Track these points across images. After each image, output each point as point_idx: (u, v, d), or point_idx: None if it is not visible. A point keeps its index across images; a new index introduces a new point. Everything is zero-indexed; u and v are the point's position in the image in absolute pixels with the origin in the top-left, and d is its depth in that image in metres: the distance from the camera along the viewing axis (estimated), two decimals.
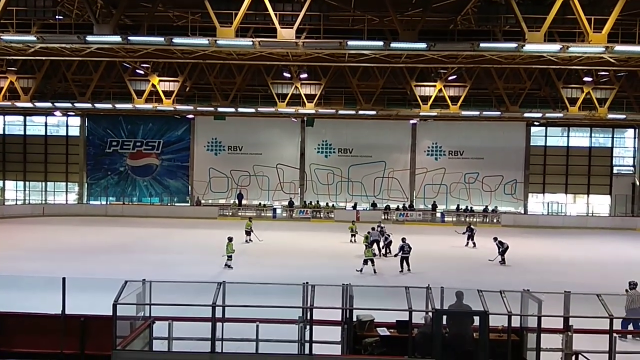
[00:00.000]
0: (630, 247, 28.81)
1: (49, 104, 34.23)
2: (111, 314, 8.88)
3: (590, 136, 40.90)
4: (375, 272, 19.59)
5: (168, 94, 32.23)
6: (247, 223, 27.50)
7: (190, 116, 39.55)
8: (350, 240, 26.92)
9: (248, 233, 26.75)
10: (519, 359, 9.42)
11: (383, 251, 23.37)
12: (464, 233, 27.19)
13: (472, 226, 28.00)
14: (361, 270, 19.61)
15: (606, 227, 36.20)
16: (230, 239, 20.01)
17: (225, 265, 19.65)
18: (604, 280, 18.72)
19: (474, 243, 26.66)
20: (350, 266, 20.28)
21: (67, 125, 41.61)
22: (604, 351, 9.12)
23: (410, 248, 20.15)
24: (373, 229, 24.05)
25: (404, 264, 20.02)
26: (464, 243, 26.89)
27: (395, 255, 20.57)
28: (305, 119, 39.49)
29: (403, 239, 20.52)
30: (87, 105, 33.91)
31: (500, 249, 22.42)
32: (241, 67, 31.30)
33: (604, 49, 18.31)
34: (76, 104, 33.77)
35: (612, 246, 29.18)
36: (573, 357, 9.20)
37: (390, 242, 23.61)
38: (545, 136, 40.81)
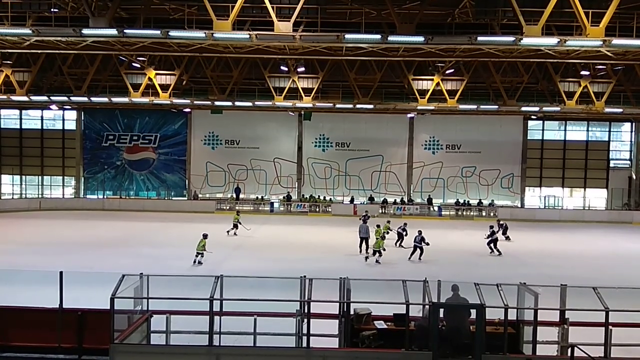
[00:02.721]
0: (626, 241, 28.94)
1: (44, 98, 34.04)
2: (109, 307, 8.89)
3: (587, 130, 41.00)
4: (378, 262, 20.24)
5: (165, 87, 32.09)
6: (235, 217, 27.51)
7: (187, 110, 39.43)
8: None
9: (235, 226, 26.76)
10: (516, 352, 9.48)
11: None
12: (497, 230, 25.70)
13: (501, 222, 27.40)
14: (377, 261, 20.28)
15: (602, 220, 36.32)
16: (205, 236, 19.61)
17: (195, 262, 19.19)
18: (600, 274, 18.86)
19: (507, 237, 26.24)
20: (347, 260, 20.35)
21: (63, 119, 41.44)
22: (599, 344, 9.18)
23: (423, 239, 21.09)
24: (365, 216, 24.50)
25: (416, 252, 21.04)
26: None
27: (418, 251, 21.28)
28: (303, 112, 39.42)
29: (419, 232, 21.45)
30: (83, 98, 33.72)
31: (489, 237, 23.01)
32: (238, 60, 31.16)
33: (601, 43, 18.29)
34: (72, 98, 33.60)
35: (608, 240, 29.30)
36: (569, 350, 9.24)
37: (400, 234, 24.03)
38: (543, 130, 40.87)
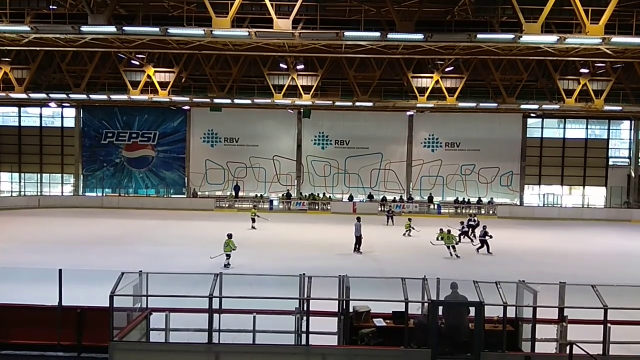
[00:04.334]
0: (624, 239, 28.95)
1: (43, 95, 34.01)
2: (108, 305, 8.89)
3: (587, 128, 40.99)
4: (458, 256, 21.50)
5: (163, 84, 32.07)
6: (252, 211, 28.61)
7: (186, 107, 39.37)
8: (407, 234, 26.56)
9: (253, 220, 27.92)
10: (514, 349, 9.49)
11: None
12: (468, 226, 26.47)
13: (474, 218, 27.57)
14: (457, 255, 21.61)
15: (601, 218, 36.34)
16: (229, 236, 18.61)
17: (225, 265, 18.24)
18: (598, 272, 18.88)
19: (468, 232, 26.40)
20: (346, 257, 20.36)
21: (62, 117, 41.37)
22: (598, 341, 9.20)
23: (486, 232, 22.67)
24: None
25: (483, 247, 22.71)
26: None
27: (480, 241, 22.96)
28: (302, 110, 39.38)
29: (484, 226, 23.17)
30: (82, 96, 33.71)
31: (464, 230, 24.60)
32: (237, 57, 31.13)
33: (600, 41, 18.31)
34: (71, 95, 33.57)
35: (607, 238, 29.31)
36: (567, 347, 9.25)
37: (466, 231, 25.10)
38: (542, 128, 40.85)
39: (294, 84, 32.12)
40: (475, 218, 27.47)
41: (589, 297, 9.21)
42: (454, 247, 21.74)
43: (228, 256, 18.48)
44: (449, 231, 22.48)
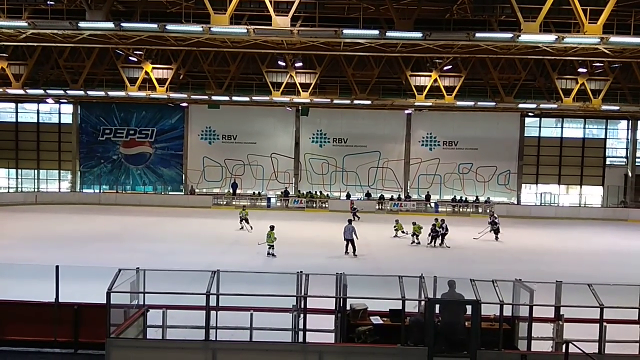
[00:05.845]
0: (621, 238, 29.05)
1: (41, 91, 33.91)
2: (105, 302, 8.87)
3: (584, 127, 41.09)
4: (419, 243, 23.61)
5: (161, 81, 32.02)
6: (241, 211, 27.51)
7: (184, 104, 39.33)
8: (395, 236, 25.92)
9: (245, 220, 26.53)
10: (511, 348, 9.52)
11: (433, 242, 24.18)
12: (490, 223, 26.57)
13: (494, 217, 27.46)
14: (412, 242, 23.65)
15: (598, 217, 36.45)
16: (272, 228, 20.08)
17: (269, 254, 19.64)
18: (595, 271, 18.93)
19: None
20: (343, 256, 20.37)
21: (59, 113, 41.26)
22: (594, 340, 9.23)
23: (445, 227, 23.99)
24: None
25: (437, 240, 23.71)
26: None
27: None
28: (300, 108, 39.36)
29: (438, 220, 24.45)
30: (79, 92, 33.63)
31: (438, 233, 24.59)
32: (235, 55, 31.10)
33: (599, 40, 18.36)
34: (68, 92, 33.49)
35: (603, 237, 29.40)
36: (564, 346, 9.28)
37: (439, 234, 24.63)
38: (539, 127, 40.95)
39: (292, 81, 32.12)
40: (495, 216, 27.51)
41: (585, 296, 9.23)
42: (417, 236, 23.84)
43: (271, 247, 19.72)
44: (414, 223, 24.36)
